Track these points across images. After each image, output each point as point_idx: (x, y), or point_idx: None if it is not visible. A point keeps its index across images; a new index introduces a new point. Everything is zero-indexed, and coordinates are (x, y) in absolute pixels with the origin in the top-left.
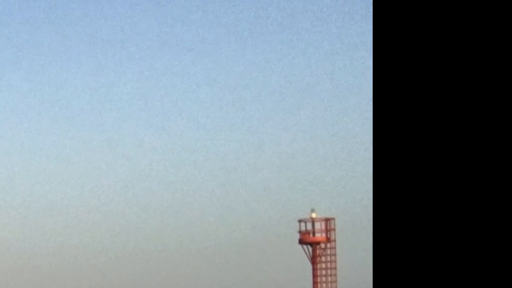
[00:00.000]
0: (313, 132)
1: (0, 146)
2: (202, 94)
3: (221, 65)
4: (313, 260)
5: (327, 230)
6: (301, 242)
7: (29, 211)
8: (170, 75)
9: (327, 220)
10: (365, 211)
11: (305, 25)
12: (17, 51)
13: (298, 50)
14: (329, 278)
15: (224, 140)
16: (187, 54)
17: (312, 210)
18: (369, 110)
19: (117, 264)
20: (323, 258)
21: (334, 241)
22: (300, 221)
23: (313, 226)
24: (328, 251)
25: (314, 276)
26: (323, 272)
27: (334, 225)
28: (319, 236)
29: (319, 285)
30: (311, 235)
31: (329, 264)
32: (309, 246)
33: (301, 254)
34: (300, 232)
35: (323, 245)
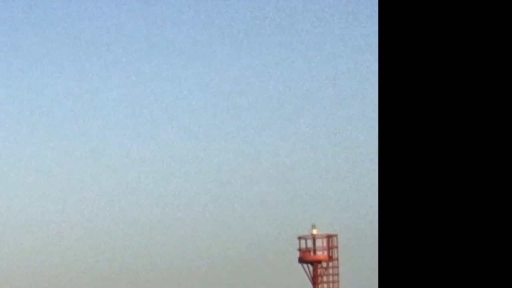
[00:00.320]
0: (314, 141)
1: None
2: (194, 101)
3: (215, 69)
4: (314, 280)
5: (329, 248)
6: (301, 260)
7: (6, 227)
8: (159, 80)
9: (329, 237)
10: (370, 227)
11: (305, 26)
12: None
13: (298, 53)
14: None
15: (218, 150)
16: (177, 57)
17: (313, 226)
18: (374, 118)
19: (102, 285)
20: (324, 278)
21: (337, 259)
22: (300, 238)
23: (314, 243)
24: (330, 271)
25: None
26: None
27: (337, 242)
28: (321, 254)
29: None
30: (311, 253)
31: (331, 285)
32: (309, 265)
33: (301, 274)
34: (300, 250)
35: (324, 264)
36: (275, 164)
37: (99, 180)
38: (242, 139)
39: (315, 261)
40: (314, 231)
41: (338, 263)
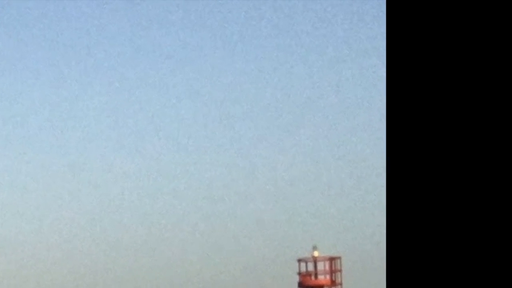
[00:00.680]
0: (315, 154)
1: None
2: (183, 110)
3: (206, 74)
4: None
5: (332, 272)
6: (302, 285)
7: None
8: (145, 86)
9: (331, 259)
10: (376, 249)
11: (305, 27)
12: None
13: (297, 56)
14: None
15: (209, 164)
16: (165, 62)
17: (314, 248)
18: (381, 128)
19: None
20: None
21: (340, 284)
22: (300, 260)
23: (315, 266)
24: None
25: None
26: None
27: (340, 265)
28: (323, 278)
29: None
30: (313, 277)
31: None
32: None
33: None
34: (300, 273)
35: None
36: (272, 179)
37: (79, 197)
38: (236, 152)
39: (317, 285)
40: (316, 253)
41: None
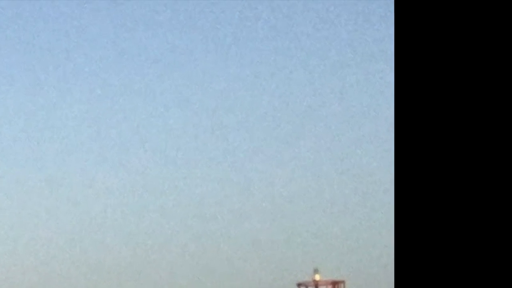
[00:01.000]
0: (316, 168)
1: None
2: (171, 119)
3: (196, 81)
4: None
5: None
6: None
7: None
8: (130, 94)
9: (334, 283)
10: (384, 272)
11: (305, 28)
12: None
13: (297, 61)
14: None
15: (200, 179)
16: (151, 67)
17: (316, 271)
18: (389, 139)
19: None
20: None
21: None
22: (299, 285)
23: None
24: None
25: None
26: None
27: None
28: None
29: None
30: None
31: None
32: None
33: None
34: None
35: None
36: (269, 195)
37: (57, 215)
38: (230, 166)
39: None
40: (317, 277)
41: None
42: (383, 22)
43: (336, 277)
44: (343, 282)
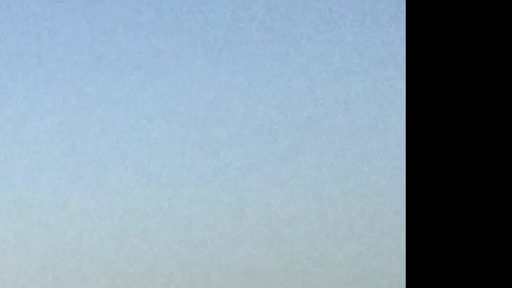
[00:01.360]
0: (318, 188)
1: None
2: (155, 133)
3: (183, 89)
4: None
5: None
6: None
7: None
8: (108, 104)
9: None
10: None
11: (306, 30)
12: None
13: (296, 67)
14: None
15: (188, 200)
16: (132, 73)
17: None
18: (400, 155)
19: None
20: None
21: None
22: None
23: None
24: None
25: None
26: None
27: None
28: None
29: None
30: None
31: None
32: None
33: None
34: None
35: None
36: (265, 218)
37: (26, 240)
38: (221, 185)
39: None
40: None
41: None
42: (393, 23)
43: None
44: None
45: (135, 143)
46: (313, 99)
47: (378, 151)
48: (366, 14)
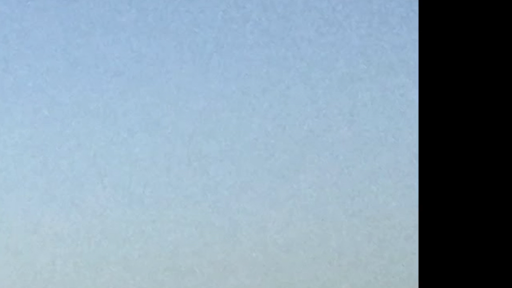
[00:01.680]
0: (320, 210)
1: None
2: (137, 147)
3: (168, 99)
4: None
5: None
6: None
7: None
8: (84, 115)
9: None
10: None
11: (306, 33)
12: None
13: (295, 74)
14: None
15: (174, 223)
16: (112, 82)
17: None
18: (412, 173)
19: None
20: None
21: None
22: None
23: None
24: None
25: None
26: None
27: None
28: None
29: None
30: None
31: None
32: None
33: None
34: None
35: None
36: (260, 243)
37: None
38: (211, 206)
39: None
40: None
41: None
42: (405, 24)
43: None
44: None
45: (114, 159)
46: (314, 110)
47: (388, 168)
48: (374, 14)
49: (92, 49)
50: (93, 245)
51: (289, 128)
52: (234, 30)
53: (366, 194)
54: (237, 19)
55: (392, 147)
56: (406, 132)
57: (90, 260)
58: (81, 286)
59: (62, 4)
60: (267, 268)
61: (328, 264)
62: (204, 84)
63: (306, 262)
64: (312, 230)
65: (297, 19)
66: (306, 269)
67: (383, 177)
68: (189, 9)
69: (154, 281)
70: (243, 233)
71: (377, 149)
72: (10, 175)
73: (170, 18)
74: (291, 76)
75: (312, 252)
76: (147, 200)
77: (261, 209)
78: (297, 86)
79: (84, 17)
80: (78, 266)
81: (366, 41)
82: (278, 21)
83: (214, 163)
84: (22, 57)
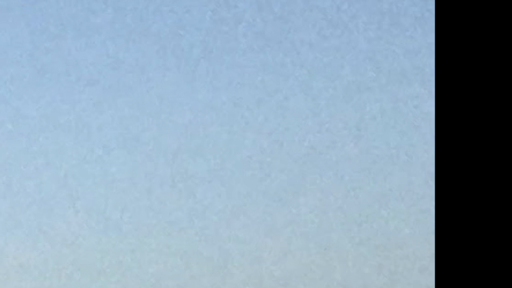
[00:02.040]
0: (322, 238)
1: None
2: (113, 166)
3: (149, 111)
4: None
5: None
6: None
7: None
8: (54, 129)
9: None
10: None
11: (307, 36)
12: None
13: (295, 83)
14: None
15: (156, 252)
16: (85, 91)
17: None
18: (428, 195)
19: None
20: None
21: None
22: None
23: None
24: None
25: None
26: None
27: None
28: None
29: None
30: None
31: None
32: None
33: None
34: None
35: None
36: (254, 275)
37: None
38: (198, 233)
39: None
40: None
41: None
42: (419, 26)
43: None
44: None
45: (87, 179)
46: (316, 124)
47: (400, 190)
48: (384, 14)
49: (63, 54)
50: (64, 278)
51: (287, 145)
52: (224, 33)
53: (375, 220)
54: (228, 19)
55: (405, 166)
56: (421, 149)
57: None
58: None
59: (28, 3)
60: None
61: None
62: (190, 94)
63: None
64: (313, 261)
65: (297, 20)
66: None
67: (394, 200)
68: (173, 9)
69: None
70: (234, 264)
71: (388, 169)
72: None
73: (152, 19)
74: (289, 85)
75: (314, 285)
76: (125, 226)
77: (255, 237)
78: (296, 96)
79: (53, 18)
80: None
81: (375, 45)
82: (275, 22)
83: (202, 184)
84: None
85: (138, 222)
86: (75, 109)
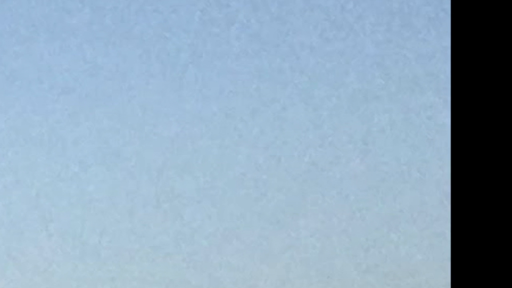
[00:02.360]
0: (325, 264)
1: None
2: (91, 185)
3: (131, 123)
4: None
5: None
6: None
7: None
8: (24, 144)
9: None
10: None
11: (308, 38)
12: None
13: (294, 91)
14: None
15: (139, 280)
16: (59, 100)
17: None
18: (443, 217)
19: None
20: None
21: None
22: None
23: None
24: None
25: None
26: None
27: None
28: None
29: None
30: None
31: None
32: None
33: None
34: None
35: None
36: None
37: None
38: (186, 259)
39: None
40: None
41: None
42: (433, 27)
43: None
44: None
45: (62, 199)
46: (317, 137)
47: (412, 211)
48: (394, 15)
49: (34, 59)
50: None
51: (285, 161)
52: (215, 35)
53: (384, 245)
54: (219, 20)
55: (417, 184)
56: (435, 165)
57: None
58: None
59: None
60: None
61: None
62: (177, 104)
63: None
64: (317, 287)
65: (296, 21)
66: None
67: (405, 223)
68: (158, 8)
69: None
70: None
71: (398, 187)
72: None
73: (134, 19)
74: (288, 93)
75: None
76: (104, 252)
77: (249, 264)
78: (295, 106)
79: (23, 19)
80: None
81: (384, 49)
82: (272, 24)
83: (190, 205)
84: None
85: (118, 247)
86: (48, 120)
